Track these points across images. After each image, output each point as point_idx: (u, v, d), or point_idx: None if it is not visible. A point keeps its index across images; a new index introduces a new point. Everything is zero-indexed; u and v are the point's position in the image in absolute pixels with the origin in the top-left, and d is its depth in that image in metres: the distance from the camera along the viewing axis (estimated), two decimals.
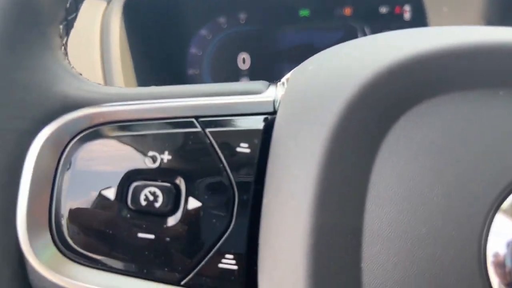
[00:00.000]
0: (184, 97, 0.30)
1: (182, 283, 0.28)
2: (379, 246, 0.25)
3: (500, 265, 0.24)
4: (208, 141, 0.28)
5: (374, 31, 0.74)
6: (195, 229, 0.28)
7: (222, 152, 0.28)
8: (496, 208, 0.24)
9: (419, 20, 0.72)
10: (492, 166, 0.25)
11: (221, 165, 0.28)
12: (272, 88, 0.31)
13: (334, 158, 0.25)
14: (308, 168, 0.25)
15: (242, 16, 0.76)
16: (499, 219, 0.24)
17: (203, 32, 0.77)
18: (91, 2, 0.65)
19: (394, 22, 0.73)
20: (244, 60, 0.77)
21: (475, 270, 0.24)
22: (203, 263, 0.28)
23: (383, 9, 0.74)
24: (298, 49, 0.77)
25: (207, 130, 0.29)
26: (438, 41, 0.26)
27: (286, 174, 0.26)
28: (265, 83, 0.31)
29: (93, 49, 0.63)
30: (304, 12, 0.75)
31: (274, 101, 0.30)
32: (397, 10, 0.73)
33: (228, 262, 0.28)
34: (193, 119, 0.29)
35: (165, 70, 0.75)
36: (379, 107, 0.26)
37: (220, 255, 0.28)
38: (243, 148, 0.28)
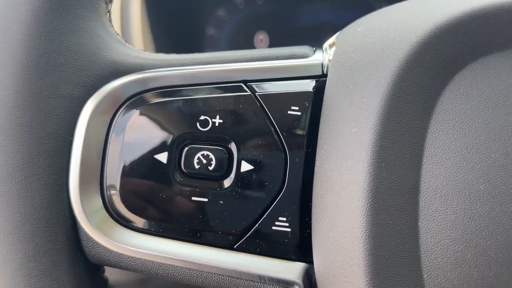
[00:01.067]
0: (231, 62, 0.30)
1: (235, 246, 0.28)
2: (436, 204, 0.25)
3: None
4: (258, 105, 0.28)
5: None
6: (248, 192, 0.28)
7: (273, 115, 0.28)
8: None
9: None
10: None
11: (272, 128, 0.28)
12: (319, 52, 0.30)
13: (391, 116, 0.25)
14: (365, 126, 0.25)
15: None
16: None
17: (220, 12, 0.76)
18: None
19: None
20: (261, 40, 0.77)
21: None
22: (256, 226, 0.28)
23: None
24: (316, 28, 0.76)
25: (257, 93, 0.29)
26: None
27: (341, 134, 0.26)
28: (310, 47, 0.31)
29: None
30: None
31: (322, 65, 0.29)
32: None
33: (282, 225, 0.28)
34: (242, 84, 0.29)
35: (184, 52, 0.74)
36: (435, 64, 0.25)
37: (274, 217, 0.28)
38: (294, 110, 0.28)
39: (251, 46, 0.77)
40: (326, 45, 0.31)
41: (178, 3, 0.72)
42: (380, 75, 0.26)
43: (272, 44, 0.77)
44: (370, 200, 0.25)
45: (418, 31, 0.26)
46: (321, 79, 0.29)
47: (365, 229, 0.25)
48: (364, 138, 0.25)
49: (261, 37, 0.77)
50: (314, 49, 0.31)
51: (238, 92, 0.29)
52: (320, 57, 0.30)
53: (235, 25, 0.77)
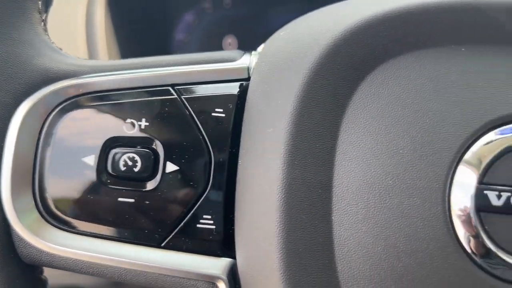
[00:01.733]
0: (160, 66, 0.31)
1: (163, 244, 0.29)
2: (348, 199, 0.26)
3: (464, 214, 0.25)
4: (184, 107, 0.29)
5: None
6: (174, 192, 0.29)
7: (198, 117, 0.29)
8: (459, 159, 0.25)
9: None
10: (454, 119, 0.26)
11: (197, 129, 0.29)
12: (246, 56, 0.32)
13: (304, 115, 0.26)
14: (279, 126, 0.26)
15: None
16: (462, 170, 0.25)
17: (188, 17, 0.77)
18: None
19: None
20: (230, 44, 0.78)
21: (440, 219, 0.25)
22: (182, 224, 0.29)
23: None
24: None
25: (183, 97, 0.30)
26: (401, 1, 0.27)
27: (259, 134, 0.27)
28: (240, 51, 0.32)
29: (77, 38, 0.64)
30: None
31: (248, 68, 0.31)
32: None
33: (206, 223, 0.29)
34: (169, 87, 0.30)
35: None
36: (346, 66, 0.27)
37: (198, 216, 0.29)
38: (218, 113, 0.29)
39: (220, 49, 0.78)
40: (259, 49, 0.33)
41: (144, 8, 0.73)
42: (293, 77, 0.27)
43: (241, 48, 0.78)
44: (283, 196, 0.26)
45: (328, 35, 0.27)
46: (245, 83, 0.30)
47: (278, 224, 0.26)
48: (278, 138, 0.26)
49: (230, 40, 0.78)
50: (243, 53, 0.32)
51: (164, 96, 0.30)
52: (247, 60, 0.31)
53: (203, 29, 0.78)
